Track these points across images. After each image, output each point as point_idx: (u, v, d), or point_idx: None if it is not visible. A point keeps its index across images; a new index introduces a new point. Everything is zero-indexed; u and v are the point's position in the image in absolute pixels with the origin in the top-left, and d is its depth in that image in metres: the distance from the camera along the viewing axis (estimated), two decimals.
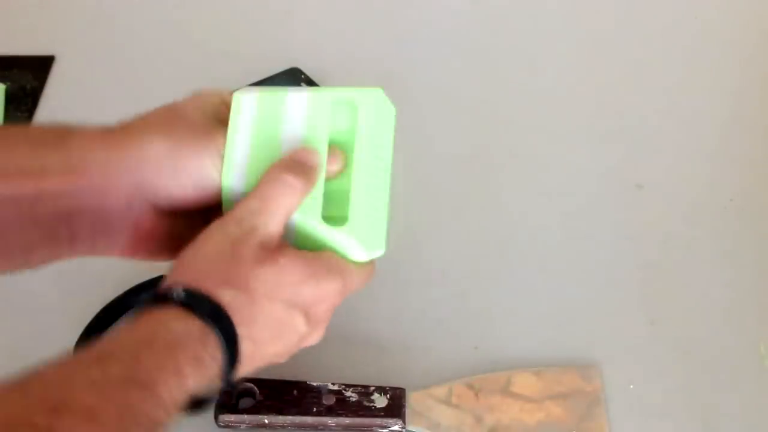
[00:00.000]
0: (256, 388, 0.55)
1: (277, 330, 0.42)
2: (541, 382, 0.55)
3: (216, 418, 0.54)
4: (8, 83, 0.80)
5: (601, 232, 0.67)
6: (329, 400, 0.53)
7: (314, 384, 0.54)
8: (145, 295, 0.41)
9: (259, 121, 0.47)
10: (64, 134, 0.44)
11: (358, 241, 0.47)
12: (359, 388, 0.54)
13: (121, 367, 0.34)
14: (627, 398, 0.55)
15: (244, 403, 0.55)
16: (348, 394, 0.53)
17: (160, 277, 0.60)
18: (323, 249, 0.46)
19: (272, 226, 0.43)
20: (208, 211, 0.46)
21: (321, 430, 0.53)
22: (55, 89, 0.81)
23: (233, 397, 0.55)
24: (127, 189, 0.43)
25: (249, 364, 0.41)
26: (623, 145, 0.75)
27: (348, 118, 0.49)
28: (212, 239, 0.42)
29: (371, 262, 0.48)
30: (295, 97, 0.48)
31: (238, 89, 0.48)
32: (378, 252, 0.48)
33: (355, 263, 0.46)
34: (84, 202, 0.43)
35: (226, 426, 0.54)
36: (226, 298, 0.39)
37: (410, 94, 0.80)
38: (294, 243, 0.45)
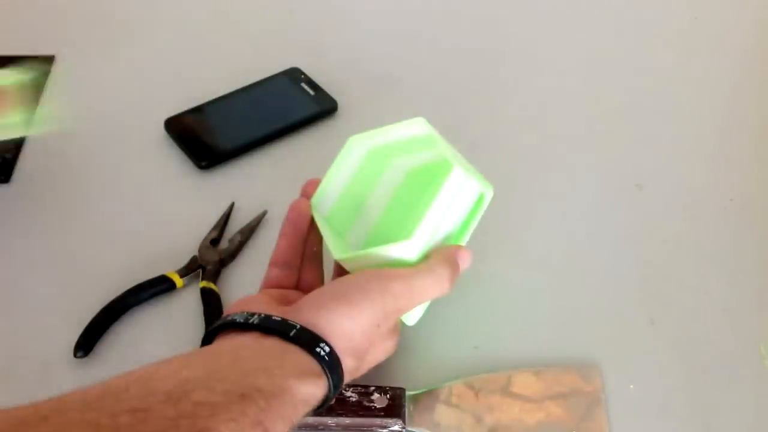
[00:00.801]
0: None
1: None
2: (541, 382, 0.55)
3: None
4: None
5: (601, 232, 0.67)
6: None
7: None
8: (281, 322, 0.44)
9: (453, 203, 0.51)
10: None
11: (422, 312, 0.53)
12: (359, 388, 0.53)
13: (256, 411, 0.38)
14: (627, 398, 0.55)
15: None
16: (348, 394, 0.53)
17: (161, 277, 0.61)
18: None
19: (409, 309, 0.49)
20: None
21: (321, 430, 0.53)
22: (55, 89, 0.81)
23: None
24: None
25: None
26: (623, 145, 0.75)
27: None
28: (368, 309, 0.46)
29: None
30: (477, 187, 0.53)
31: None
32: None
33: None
34: None
35: None
36: (348, 365, 0.45)
37: (409, 94, 0.80)
38: None
